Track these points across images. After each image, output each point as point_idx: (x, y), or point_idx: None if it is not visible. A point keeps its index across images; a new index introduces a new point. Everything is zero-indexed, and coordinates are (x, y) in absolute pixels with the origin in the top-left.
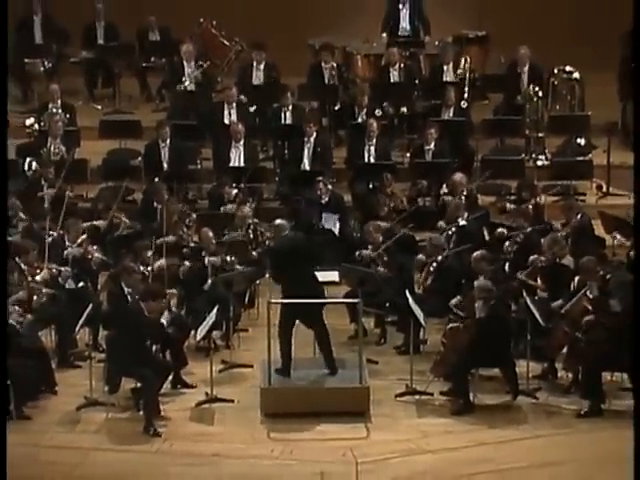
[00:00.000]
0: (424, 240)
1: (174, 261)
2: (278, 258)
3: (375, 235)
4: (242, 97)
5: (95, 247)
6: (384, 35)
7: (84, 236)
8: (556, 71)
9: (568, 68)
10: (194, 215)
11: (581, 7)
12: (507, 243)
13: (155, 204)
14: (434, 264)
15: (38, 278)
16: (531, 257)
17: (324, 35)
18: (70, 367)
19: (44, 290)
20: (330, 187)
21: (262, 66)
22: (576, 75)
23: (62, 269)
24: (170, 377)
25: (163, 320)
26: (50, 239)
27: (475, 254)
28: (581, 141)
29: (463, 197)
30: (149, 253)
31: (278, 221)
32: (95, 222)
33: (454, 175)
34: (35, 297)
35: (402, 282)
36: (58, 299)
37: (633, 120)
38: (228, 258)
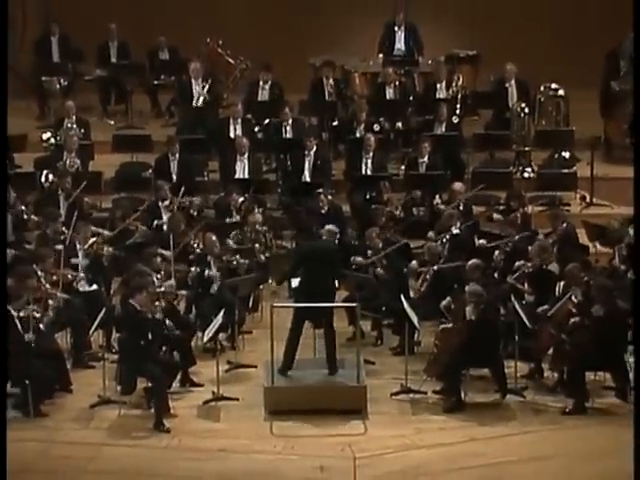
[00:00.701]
0: (418, 247)
1: (182, 267)
2: (304, 256)
3: (375, 241)
4: (248, 115)
5: (106, 249)
6: (380, 55)
7: (94, 239)
8: (542, 88)
9: (553, 85)
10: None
11: (567, 29)
12: (497, 252)
13: (160, 203)
14: (431, 271)
15: (55, 283)
16: (518, 264)
17: (324, 54)
18: (84, 367)
19: (59, 295)
20: (329, 198)
21: (268, 85)
22: (561, 92)
23: (76, 274)
24: (179, 376)
25: (167, 321)
26: (63, 245)
27: (470, 263)
28: (565, 154)
29: (461, 206)
30: (159, 259)
31: (329, 227)
32: (105, 231)
33: (454, 184)
34: (51, 302)
35: (398, 287)
36: (73, 303)
37: (634, 124)
38: (239, 260)
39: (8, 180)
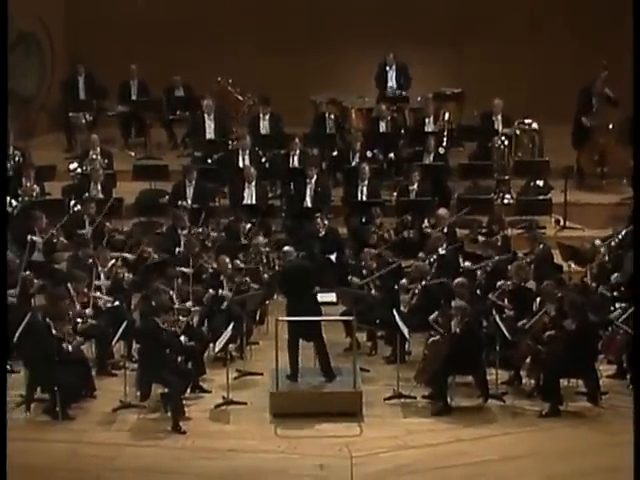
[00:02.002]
0: (409, 266)
1: (198, 287)
2: (285, 279)
3: (370, 262)
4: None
5: (124, 270)
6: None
7: (118, 262)
8: (517, 123)
9: (528, 120)
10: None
11: (543, 72)
12: (478, 274)
13: (179, 233)
14: (418, 287)
15: (82, 300)
16: (499, 282)
17: (324, 92)
18: (107, 375)
19: (87, 311)
20: (326, 222)
21: (267, 117)
22: (535, 126)
23: (102, 296)
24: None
25: (182, 337)
26: (91, 268)
27: (456, 281)
28: (539, 183)
29: (445, 229)
30: (179, 280)
31: (286, 248)
32: (125, 254)
33: (439, 210)
34: (80, 319)
35: (390, 302)
36: (98, 317)
37: (633, 130)
38: (244, 279)
39: (39, 206)
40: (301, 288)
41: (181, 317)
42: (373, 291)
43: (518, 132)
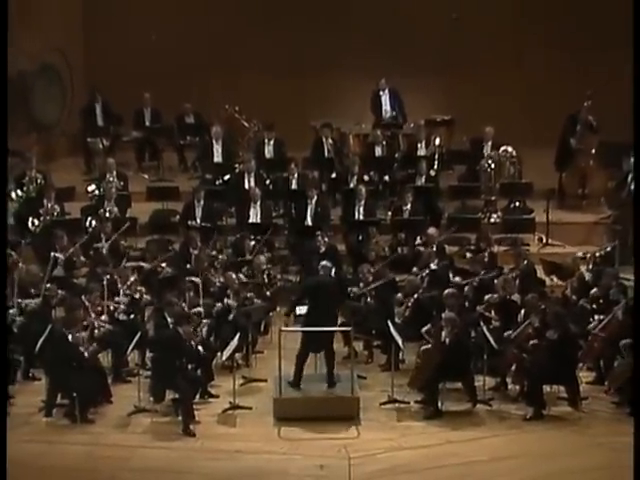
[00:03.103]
0: (403, 281)
1: (208, 300)
2: (308, 292)
3: (367, 275)
4: (260, 170)
5: (142, 288)
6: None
7: (133, 278)
8: (500, 150)
9: (508, 148)
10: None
11: (527, 99)
12: (466, 288)
13: (190, 250)
14: (411, 300)
15: (99, 312)
16: (487, 296)
17: (324, 118)
18: (123, 382)
19: (103, 321)
20: (326, 239)
21: (272, 142)
22: (513, 153)
23: (117, 305)
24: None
25: (200, 347)
26: (106, 281)
27: (446, 292)
28: (520, 204)
29: (434, 247)
30: (192, 293)
31: (323, 262)
32: (141, 263)
33: (429, 229)
34: (96, 329)
35: (385, 314)
36: (114, 328)
37: (633, 137)
38: (248, 294)
39: (59, 225)
40: (322, 302)
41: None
42: (370, 302)
43: (500, 159)
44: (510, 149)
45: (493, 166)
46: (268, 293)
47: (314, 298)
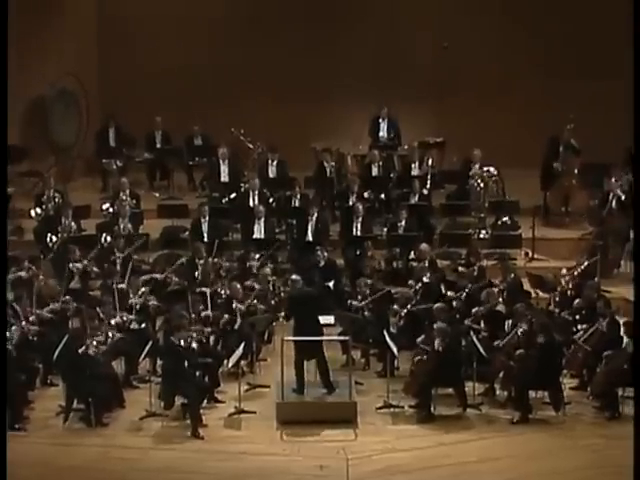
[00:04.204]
0: (397, 293)
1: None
2: (291, 305)
3: (364, 289)
4: (264, 189)
5: (152, 297)
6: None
7: (144, 289)
8: (485, 171)
9: (490, 168)
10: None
11: (514, 123)
12: (455, 303)
13: (197, 260)
14: (405, 311)
15: (112, 322)
16: (474, 309)
17: (324, 140)
18: (134, 388)
19: (116, 331)
20: (326, 254)
21: (275, 163)
22: (494, 172)
23: (129, 316)
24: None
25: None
26: (119, 293)
27: (436, 305)
28: (507, 220)
29: (427, 261)
30: (201, 306)
31: (294, 276)
32: (154, 275)
33: (421, 245)
34: (110, 338)
35: (381, 324)
36: (126, 337)
37: (634, 141)
38: (253, 302)
39: (75, 241)
40: (305, 312)
41: (197, 335)
42: (367, 313)
43: (485, 179)
44: (492, 169)
45: (482, 185)
46: (273, 302)
47: (297, 310)
